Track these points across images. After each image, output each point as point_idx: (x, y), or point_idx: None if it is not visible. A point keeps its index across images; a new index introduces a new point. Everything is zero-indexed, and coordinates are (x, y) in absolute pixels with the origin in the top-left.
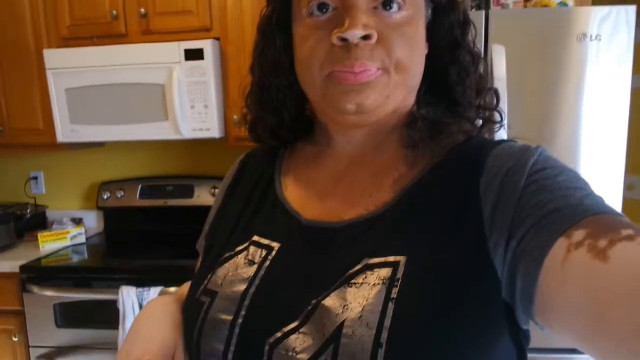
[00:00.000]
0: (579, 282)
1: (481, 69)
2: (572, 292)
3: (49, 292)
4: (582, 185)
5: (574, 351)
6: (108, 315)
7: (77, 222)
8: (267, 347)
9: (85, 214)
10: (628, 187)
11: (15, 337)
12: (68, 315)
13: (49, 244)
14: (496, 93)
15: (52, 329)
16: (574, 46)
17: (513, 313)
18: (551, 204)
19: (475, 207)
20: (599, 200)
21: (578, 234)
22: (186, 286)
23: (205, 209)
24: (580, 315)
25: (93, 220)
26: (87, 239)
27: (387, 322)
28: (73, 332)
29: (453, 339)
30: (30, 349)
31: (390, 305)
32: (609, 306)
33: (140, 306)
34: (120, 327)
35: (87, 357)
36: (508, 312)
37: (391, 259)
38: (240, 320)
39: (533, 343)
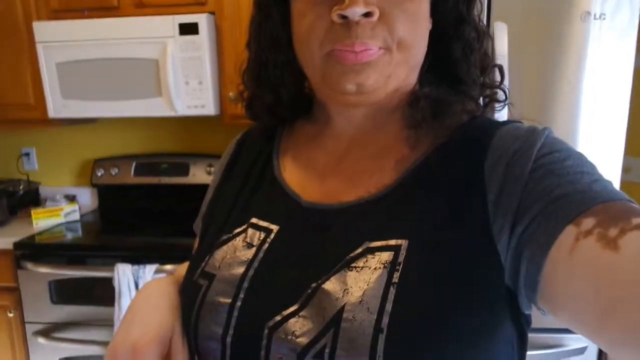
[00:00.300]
0: (588, 272)
1: (486, 46)
2: (580, 282)
3: (43, 269)
4: (590, 170)
5: (565, 331)
6: (103, 293)
7: (71, 199)
8: (266, 331)
9: (79, 190)
10: (625, 169)
11: (10, 313)
12: (63, 292)
13: (42, 220)
14: (500, 70)
15: (47, 305)
16: (577, 25)
17: (515, 298)
18: (559, 189)
19: (480, 190)
20: (607, 186)
21: (587, 222)
22: (184, 267)
23: (201, 187)
24: (589, 305)
25: (87, 198)
26: (81, 216)
27: (389, 307)
28: (69, 308)
29: (454, 324)
30: (26, 325)
31: (392, 290)
32: (620, 297)
33: (136, 284)
34: (116, 304)
35: (84, 333)
36: (510, 297)
37: (392, 242)
38: (239, 304)
39: None
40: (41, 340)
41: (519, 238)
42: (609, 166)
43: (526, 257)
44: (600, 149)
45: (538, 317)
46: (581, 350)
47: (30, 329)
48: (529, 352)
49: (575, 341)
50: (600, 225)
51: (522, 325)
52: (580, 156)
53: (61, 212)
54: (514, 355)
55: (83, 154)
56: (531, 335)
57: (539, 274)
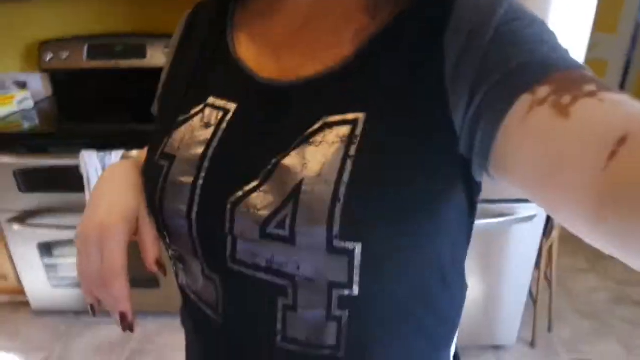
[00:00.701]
0: (538, 138)
1: None
2: (530, 146)
3: (6, 159)
4: (549, 39)
5: (516, 201)
6: (72, 180)
7: (22, 86)
8: (229, 206)
9: (28, 76)
10: (593, 45)
11: None
12: (30, 181)
13: None
14: None
15: (16, 194)
16: None
17: (469, 166)
18: (517, 58)
19: (439, 60)
20: (565, 55)
21: (542, 90)
22: (144, 152)
23: (160, 70)
24: (535, 167)
25: (38, 84)
26: (35, 103)
27: (346, 178)
28: (39, 196)
29: (407, 192)
30: None
31: (349, 163)
32: (563, 160)
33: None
34: (86, 191)
35: (57, 219)
36: (465, 166)
37: (350, 116)
38: (200, 182)
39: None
40: (16, 227)
41: (477, 107)
42: (576, 41)
43: (482, 125)
44: (569, 22)
45: (490, 189)
46: (530, 218)
47: (3, 217)
48: (481, 221)
49: (524, 210)
50: (555, 93)
51: (473, 193)
52: (542, 25)
53: (13, 100)
54: (464, 223)
55: (26, 35)
56: (483, 206)
57: (493, 141)
